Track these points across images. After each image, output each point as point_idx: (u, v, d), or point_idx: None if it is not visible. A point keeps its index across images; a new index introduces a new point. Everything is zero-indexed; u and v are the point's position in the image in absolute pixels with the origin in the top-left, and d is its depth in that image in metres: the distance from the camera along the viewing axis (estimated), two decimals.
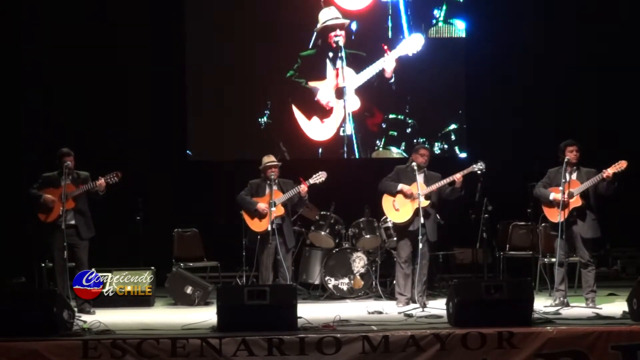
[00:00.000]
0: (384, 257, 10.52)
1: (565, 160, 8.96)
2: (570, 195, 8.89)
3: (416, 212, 9.09)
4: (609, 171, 8.75)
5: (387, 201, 9.45)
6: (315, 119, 12.45)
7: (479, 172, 9.26)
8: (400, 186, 9.31)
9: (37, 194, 9.19)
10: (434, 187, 9.22)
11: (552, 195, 9.03)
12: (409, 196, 9.24)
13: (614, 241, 11.99)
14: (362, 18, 12.40)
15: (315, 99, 12.44)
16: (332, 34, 12.31)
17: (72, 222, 9.12)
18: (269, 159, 9.67)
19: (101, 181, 9.07)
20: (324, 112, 12.46)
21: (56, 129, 11.72)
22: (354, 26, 12.38)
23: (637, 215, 11.69)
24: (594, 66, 12.30)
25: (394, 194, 9.36)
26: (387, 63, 12.30)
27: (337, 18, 12.35)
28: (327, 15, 12.35)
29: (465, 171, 9.22)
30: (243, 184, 9.80)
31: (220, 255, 10.87)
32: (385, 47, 12.35)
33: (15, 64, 12.01)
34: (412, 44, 12.33)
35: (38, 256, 10.35)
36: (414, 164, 9.24)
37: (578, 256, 9.22)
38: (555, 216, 9.01)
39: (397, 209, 9.33)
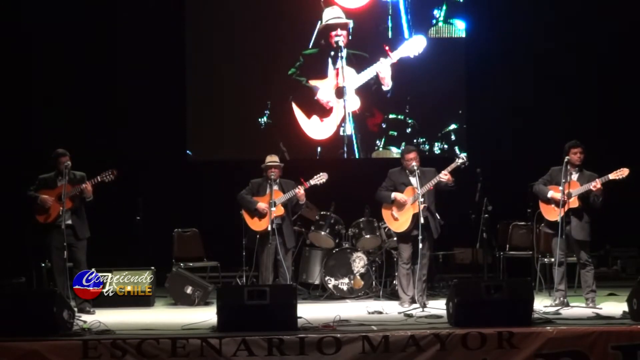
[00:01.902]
0: (384, 257, 10.51)
1: (566, 160, 8.96)
2: (569, 196, 8.89)
3: (414, 218, 9.08)
4: (600, 181, 8.75)
5: (386, 212, 9.43)
6: (314, 117, 12.45)
7: (462, 166, 9.22)
8: (394, 195, 9.28)
9: (34, 195, 9.20)
10: (426, 187, 9.18)
11: (550, 193, 9.04)
12: (403, 204, 9.24)
13: (614, 241, 12.00)
14: (361, 18, 12.41)
15: (315, 97, 12.45)
16: (333, 33, 12.31)
17: (69, 222, 9.11)
18: (271, 159, 9.67)
19: (86, 185, 9.04)
20: (323, 111, 12.46)
21: (56, 129, 11.72)
22: (352, 25, 12.38)
23: (637, 215, 11.70)
24: (595, 66, 12.30)
25: (389, 204, 9.35)
26: (381, 67, 12.29)
27: (339, 18, 12.35)
28: (329, 15, 12.36)
29: (450, 168, 9.16)
30: (243, 184, 9.80)
31: (220, 255, 10.87)
32: (387, 48, 12.35)
33: (15, 64, 12.01)
34: (414, 45, 12.32)
35: (38, 256, 10.33)
36: (414, 164, 9.22)
37: (576, 257, 9.22)
38: (550, 214, 9.04)
39: (397, 219, 9.32)
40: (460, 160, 9.20)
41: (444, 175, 9.08)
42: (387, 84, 12.38)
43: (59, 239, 8.93)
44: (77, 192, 9.11)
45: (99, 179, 9.12)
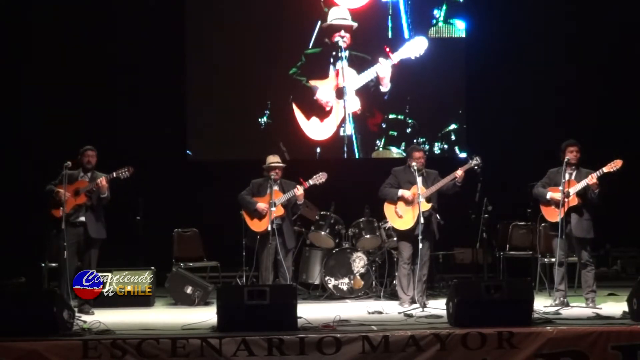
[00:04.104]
0: (384, 257, 10.52)
1: (566, 160, 8.97)
2: (567, 195, 8.89)
3: (418, 217, 9.08)
4: (596, 175, 8.75)
5: (389, 209, 9.42)
6: (314, 118, 12.45)
7: (476, 167, 9.22)
8: (401, 192, 9.28)
9: (52, 188, 9.02)
10: (435, 188, 9.19)
11: (549, 195, 9.05)
12: (410, 202, 9.23)
13: (614, 241, 12.00)
14: (361, 17, 12.41)
15: (314, 98, 12.45)
16: (336, 33, 12.31)
17: (82, 219, 9.03)
18: (274, 159, 9.65)
19: (101, 180, 8.96)
20: (323, 112, 12.46)
21: (56, 129, 11.72)
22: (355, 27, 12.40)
23: (637, 215, 11.70)
24: (594, 65, 12.31)
25: (395, 200, 9.35)
26: (381, 68, 12.28)
27: (344, 19, 12.34)
28: (335, 14, 12.35)
29: (466, 167, 9.20)
30: (243, 184, 9.80)
31: (220, 255, 10.87)
32: (388, 50, 12.35)
33: (15, 63, 12.01)
34: (415, 47, 12.32)
35: (38, 256, 10.33)
36: (414, 163, 9.21)
37: (577, 256, 9.22)
38: (552, 215, 9.04)
39: (401, 216, 9.31)
40: (474, 162, 9.19)
41: (459, 171, 9.07)
42: (385, 85, 12.38)
43: (64, 236, 8.82)
44: (92, 187, 8.99)
45: (115, 175, 9.03)
